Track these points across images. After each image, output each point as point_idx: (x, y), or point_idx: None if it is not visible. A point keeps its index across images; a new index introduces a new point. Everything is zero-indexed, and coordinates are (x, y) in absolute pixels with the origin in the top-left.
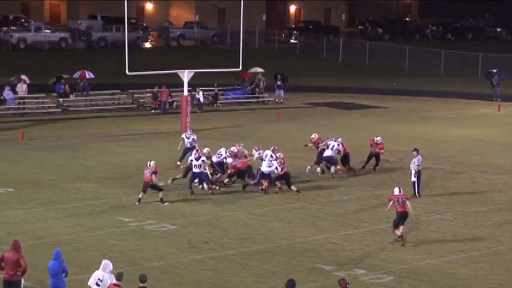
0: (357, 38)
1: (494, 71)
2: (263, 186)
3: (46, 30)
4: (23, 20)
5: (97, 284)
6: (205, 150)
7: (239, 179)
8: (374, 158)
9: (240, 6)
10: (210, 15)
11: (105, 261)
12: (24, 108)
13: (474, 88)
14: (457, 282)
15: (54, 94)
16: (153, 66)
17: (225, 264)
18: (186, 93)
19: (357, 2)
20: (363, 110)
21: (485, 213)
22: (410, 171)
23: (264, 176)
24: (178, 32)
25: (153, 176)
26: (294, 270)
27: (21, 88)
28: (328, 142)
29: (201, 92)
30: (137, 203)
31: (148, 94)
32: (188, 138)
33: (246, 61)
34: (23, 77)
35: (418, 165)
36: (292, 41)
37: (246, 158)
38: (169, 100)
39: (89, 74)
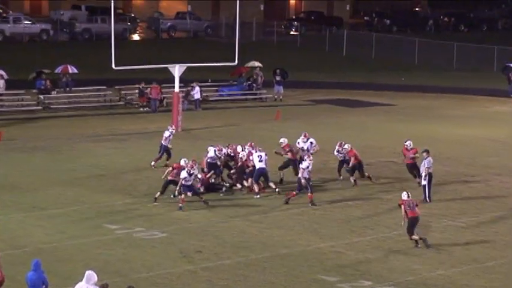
0: (363, 30)
1: (511, 65)
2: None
3: (26, 22)
4: (0, 11)
5: None
6: (182, 162)
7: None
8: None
9: None
10: (204, 6)
11: (88, 272)
12: (1, 106)
13: (489, 84)
14: None
15: (35, 90)
16: (141, 60)
17: (220, 275)
18: (177, 89)
19: None
20: (369, 107)
21: (501, 219)
22: (421, 174)
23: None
24: (169, 23)
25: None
26: (294, 282)
27: None
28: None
29: (197, 88)
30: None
31: (136, 91)
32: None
33: (243, 55)
34: (0, 72)
35: (427, 167)
36: (292, 33)
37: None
38: (160, 97)
39: (72, 69)
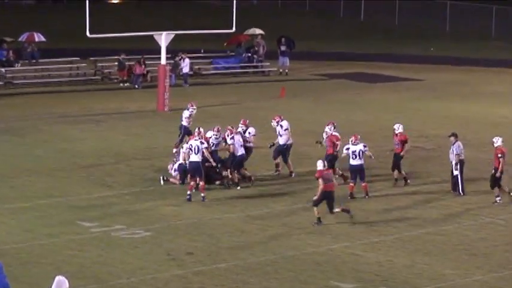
0: None
1: None
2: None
3: None
4: None
5: None
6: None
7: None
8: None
9: None
10: None
11: (59, 278)
12: None
13: None
14: None
15: None
16: (121, 27)
17: (214, 281)
18: (163, 61)
19: None
20: (391, 83)
21: None
22: (451, 162)
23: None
24: None
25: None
26: None
27: None
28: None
29: (187, 60)
30: None
31: (115, 63)
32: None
33: (242, 21)
34: None
35: (457, 154)
36: None
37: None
38: (144, 71)
39: (38, 37)
